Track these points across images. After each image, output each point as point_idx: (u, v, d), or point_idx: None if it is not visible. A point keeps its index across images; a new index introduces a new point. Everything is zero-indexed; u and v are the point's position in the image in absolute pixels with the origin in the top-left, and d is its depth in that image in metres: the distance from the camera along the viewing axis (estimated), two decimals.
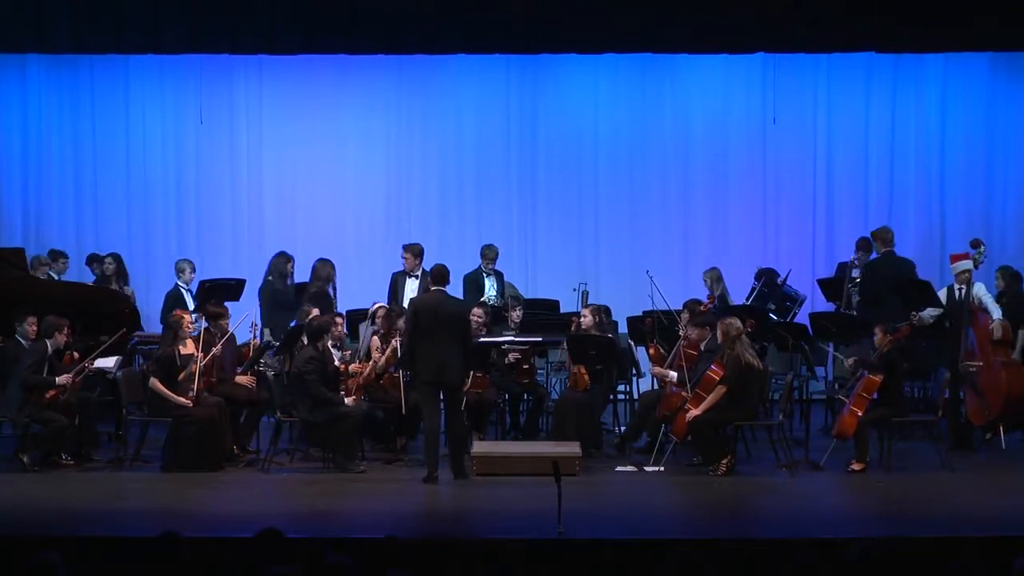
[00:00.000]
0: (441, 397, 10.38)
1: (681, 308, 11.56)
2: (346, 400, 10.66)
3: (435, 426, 10.27)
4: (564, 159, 14.68)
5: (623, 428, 11.82)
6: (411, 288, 12.57)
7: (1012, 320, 11.66)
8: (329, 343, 10.83)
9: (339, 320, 11.35)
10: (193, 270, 12.88)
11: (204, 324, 11.18)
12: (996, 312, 11.58)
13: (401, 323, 11.08)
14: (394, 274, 12.81)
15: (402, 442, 11.28)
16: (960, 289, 11.66)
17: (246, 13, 13.02)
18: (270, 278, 12.74)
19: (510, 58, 14.29)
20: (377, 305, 11.83)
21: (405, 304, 12.11)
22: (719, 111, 14.61)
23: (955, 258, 11.94)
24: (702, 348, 10.86)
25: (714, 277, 12.76)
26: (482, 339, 11.30)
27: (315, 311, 11.52)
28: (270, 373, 11.40)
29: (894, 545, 6.13)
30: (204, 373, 10.60)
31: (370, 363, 11.03)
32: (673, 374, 10.88)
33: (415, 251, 12.70)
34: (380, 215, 14.63)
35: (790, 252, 13.55)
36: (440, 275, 10.56)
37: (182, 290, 12.73)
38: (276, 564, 5.77)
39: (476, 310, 11.44)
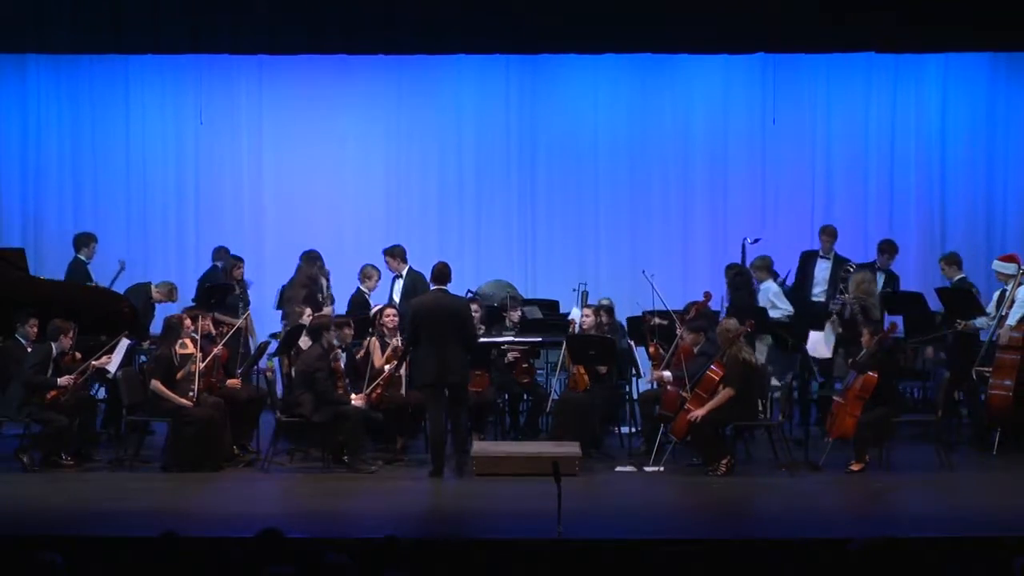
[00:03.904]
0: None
1: (682, 310, 11.62)
2: (355, 399, 10.64)
3: (440, 426, 10.35)
4: (564, 159, 14.68)
5: (623, 428, 11.83)
6: (397, 290, 12.57)
7: None
8: (334, 341, 10.80)
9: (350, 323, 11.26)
10: (379, 277, 12.67)
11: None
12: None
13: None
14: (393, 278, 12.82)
15: (402, 442, 11.28)
16: (1005, 290, 11.65)
17: (246, 13, 13.02)
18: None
19: (510, 58, 14.29)
20: (376, 308, 11.84)
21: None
22: (719, 111, 14.60)
23: (1000, 258, 11.96)
24: (695, 352, 10.86)
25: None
26: (480, 339, 11.30)
27: (308, 311, 11.53)
28: (269, 373, 11.42)
29: (894, 545, 6.13)
30: (205, 374, 10.61)
31: (386, 367, 10.97)
32: (668, 374, 10.90)
33: (395, 253, 12.68)
34: (380, 215, 14.62)
35: (790, 252, 13.52)
36: (441, 274, 10.58)
37: (366, 296, 12.60)
38: (276, 564, 5.77)
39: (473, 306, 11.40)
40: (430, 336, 10.28)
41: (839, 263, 12.74)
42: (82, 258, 12.80)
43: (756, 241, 12.91)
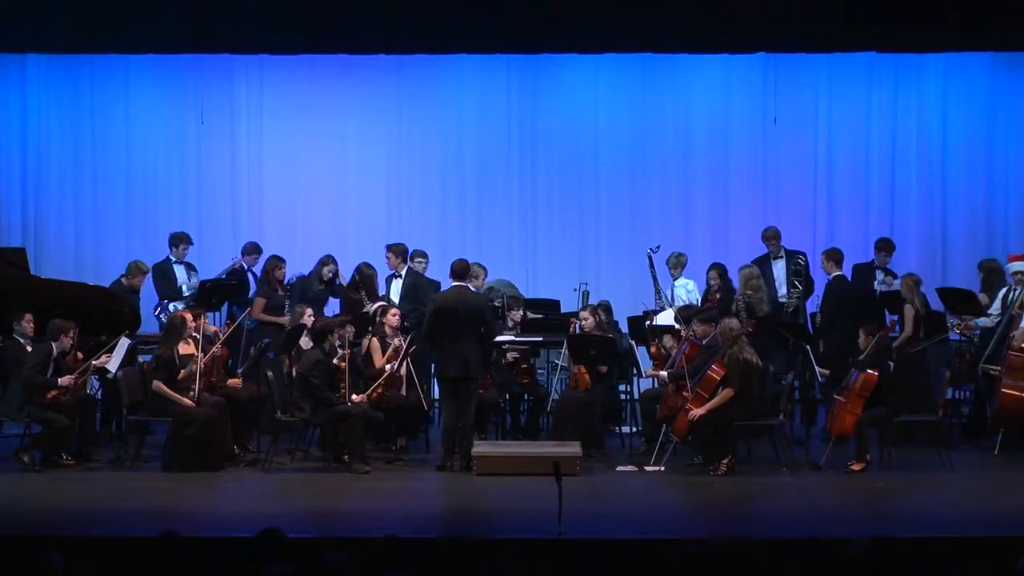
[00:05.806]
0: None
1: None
2: (355, 398, 10.63)
3: (453, 420, 10.59)
4: (564, 159, 14.67)
5: (624, 427, 11.83)
6: (396, 288, 12.56)
7: None
8: (336, 342, 10.80)
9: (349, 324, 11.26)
10: (486, 275, 12.61)
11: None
12: None
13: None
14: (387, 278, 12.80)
15: (402, 442, 11.29)
16: (1016, 290, 11.60)
17: (246, 13, 13.02)
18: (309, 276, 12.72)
19: (510, 58, 14.28)
20: (376, 305, 11.84)
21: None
22: (719, 111, 14.60)
23: (1012, 258, 11.94)
24: (703, 344, 10.86)
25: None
26: None
27: (308, 311, 11.53)
28: (269, 373, 11.40)
29: (894, 545, 6.12)
30: (205, 373, 10.61)
31: (388, 368, 10.96)
32: (663, 374, 10.91)
33: (397, 251, 12.69)
34: (380, 215, 14.62)
35: None
36: (461, 270, 10.85)
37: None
38: (276, 564, 5.76)
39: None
40: (452, 332, 10.56)
41: (791, 257, 12.75)
42: (172, 257, 12.92)
43: (658, 248, 12.83)
